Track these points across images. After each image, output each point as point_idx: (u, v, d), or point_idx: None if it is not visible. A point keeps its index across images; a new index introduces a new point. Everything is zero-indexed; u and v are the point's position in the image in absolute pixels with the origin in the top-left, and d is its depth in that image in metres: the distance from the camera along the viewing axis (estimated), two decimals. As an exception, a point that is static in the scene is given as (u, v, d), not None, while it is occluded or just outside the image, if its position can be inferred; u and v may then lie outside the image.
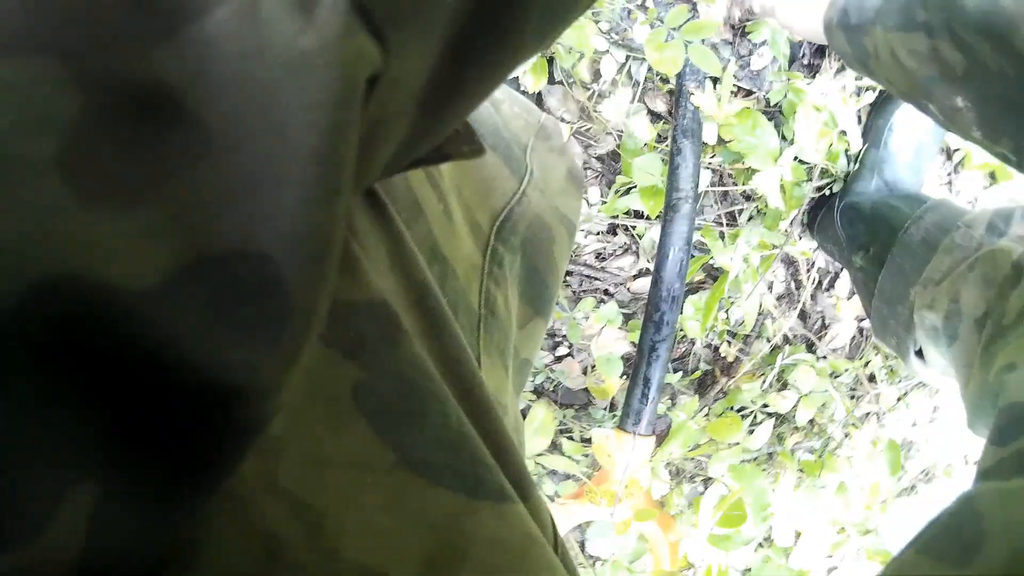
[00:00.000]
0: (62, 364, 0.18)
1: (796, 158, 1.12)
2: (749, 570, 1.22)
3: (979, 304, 0.75)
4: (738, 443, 1.24)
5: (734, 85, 1.11)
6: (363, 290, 0.33)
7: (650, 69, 1.09)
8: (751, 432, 1.25)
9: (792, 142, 1.12)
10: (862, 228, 1.08)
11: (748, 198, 1.18)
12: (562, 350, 1.25)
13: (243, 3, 0.20)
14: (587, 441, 1.23)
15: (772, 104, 1.14)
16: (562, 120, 1.13)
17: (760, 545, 1.26)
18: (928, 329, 0.85)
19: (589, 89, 1.12)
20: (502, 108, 0.64)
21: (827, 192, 1.19)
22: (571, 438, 1.22)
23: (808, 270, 1.26)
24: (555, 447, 1.23)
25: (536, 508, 0.38)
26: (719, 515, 1.10)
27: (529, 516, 0.36)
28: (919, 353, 0.90)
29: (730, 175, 1.17)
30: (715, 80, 1.08)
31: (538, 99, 1.13)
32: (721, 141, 1.12)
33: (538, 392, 1.25)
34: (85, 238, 0.18)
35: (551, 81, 1.11)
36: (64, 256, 0.18)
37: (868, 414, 1.33)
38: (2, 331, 0.17)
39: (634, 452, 1.10)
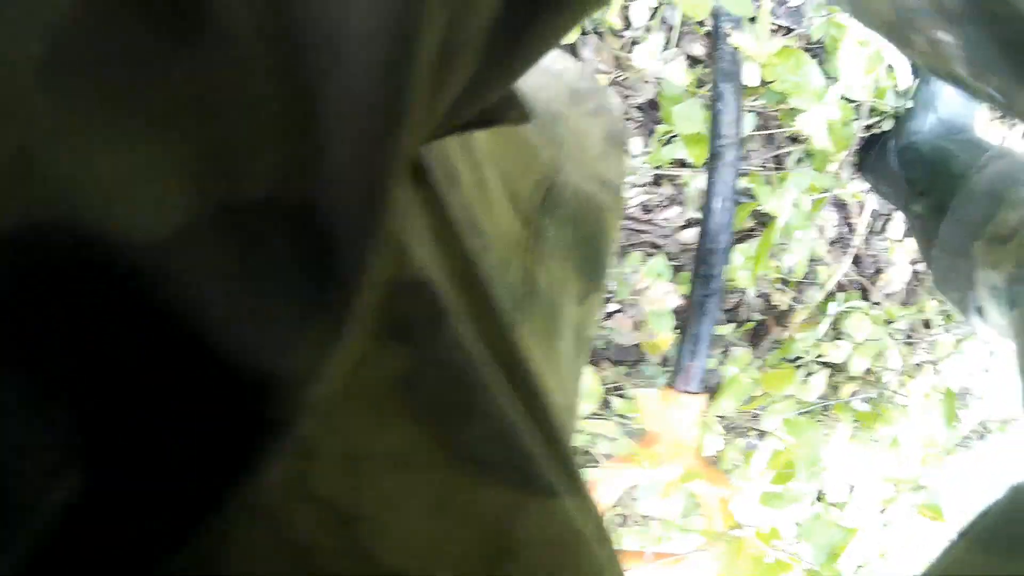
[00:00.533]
0: (48, 333, 0.14)
1: (842, 96, 1.08)
2: (800, 526, 1.19)
3: None
4: (792, 395, 1.21)
5: (773, 23, 1.08)
6: (405, 267, 0.28)
7: (685, 12, 1.06)
8: (805, 383, 1.22)
9: (837, 80, 1.08)
10: (921, 172, 1.05)
11: (794, 140, 1.15)
12: (612, 306, 1.23)
13: None
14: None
15: (814, 41, 1.10)
16: (598, 71, 1.10)
17: (819, 500, 1.23)
18: (990, 288, 0.82)
19: (622, 37, 1.09)
20: (529, 78, 0.61)
21: (877, 131, 1.16)
22: (623, 396, 1.20)
23: (860, 213, 1.22)
24: (607, 405, 1.21)
25: (583, 500, 0.35)
26: (770, 472, 1.08)
27: (577, 512, 0.33)
28: (979, 310, 0.87)
29: (775, 117, 1.14)
30: (753, 19, 1.05)
31: (572, 51, 1.10)
32: (764, 82, 1.09)
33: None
34: (80, 171, 0.14)
35: (583, 32, 1.09)
36: (52, 194, 0.13)
37: (923, 362, 1.30)
38: None
39: (685, 410, 1.08)
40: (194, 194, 0.15)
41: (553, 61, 0.68)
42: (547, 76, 0.64)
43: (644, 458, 1.07)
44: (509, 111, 0.34)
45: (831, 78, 1.09)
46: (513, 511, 0.30)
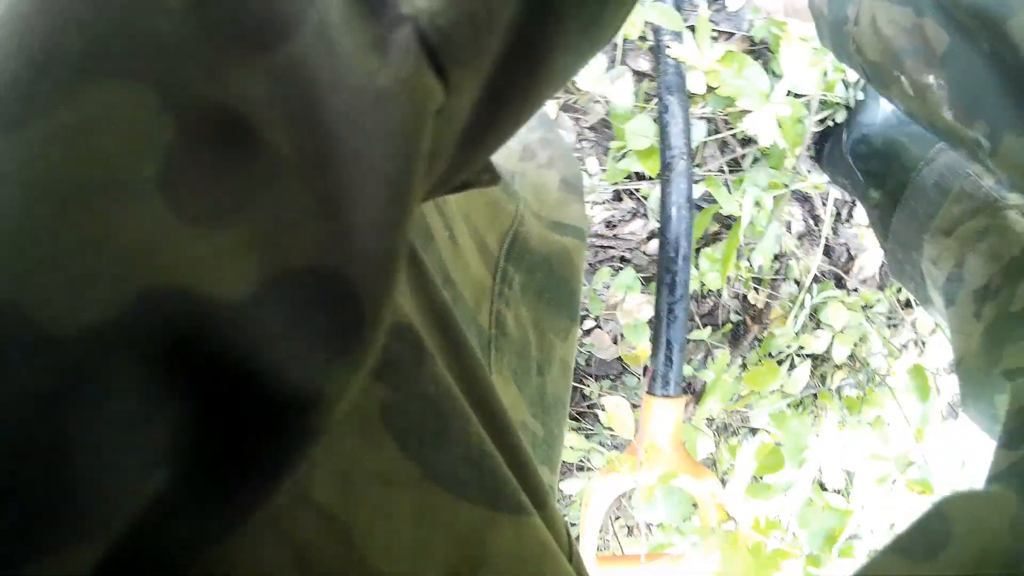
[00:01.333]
0: (162, 369, 0.20)
1: (790, 92, 1.09)
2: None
3: (981, 275, 0.72)
4: (779, 390, 1.22)
5: (713, 30, 1.09)
6: (393, 313, 0.34)
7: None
8: (790, 377, 1.23)
9: (782, 77, 1.09)
10: (876, 164, 1.05)
11: (748, 142, 1.16)
12: (589, 323, 1.24)
13: (317, 31, 0.22)
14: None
15: (757, 42, 1.12)
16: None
17: (822, 487, 1.24)
18: (933, 281, 0.83)
19: (568, 60, 1.10)
20: None
21: (831, 123, 1.16)
22: (603, 409, 1.21)
23: (824, 204, 1.23)
24: (596, 420, 1.23)
25: (551, 518, 0.39)
26: (755, 465, 1.09)
27: (545, 527, 0.37)
28: (929, 300, 0.88)
29: (726, 121, 1.15)
30: (692, 28, 1.06)
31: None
32: (710, 89, 1.10)
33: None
34: (185, 253, 0.19)
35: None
36: (168, 269, 0.19)
37: (907, 342, 1.30)
38: (112, 335, 0.18)
39: (665, 414, 1.09)
40: (264, 262, 0.21)
41: None
42: None
43: (628, 465, 1.08)
44: (482, 176, 0.39)
45: (777, 76, 1.10)
46: (486, 526, 0.34)
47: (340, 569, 0.30)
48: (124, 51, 0.19)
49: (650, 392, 1.10)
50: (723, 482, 1.17)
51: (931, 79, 0.65)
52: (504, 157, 0.65)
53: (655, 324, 1.10)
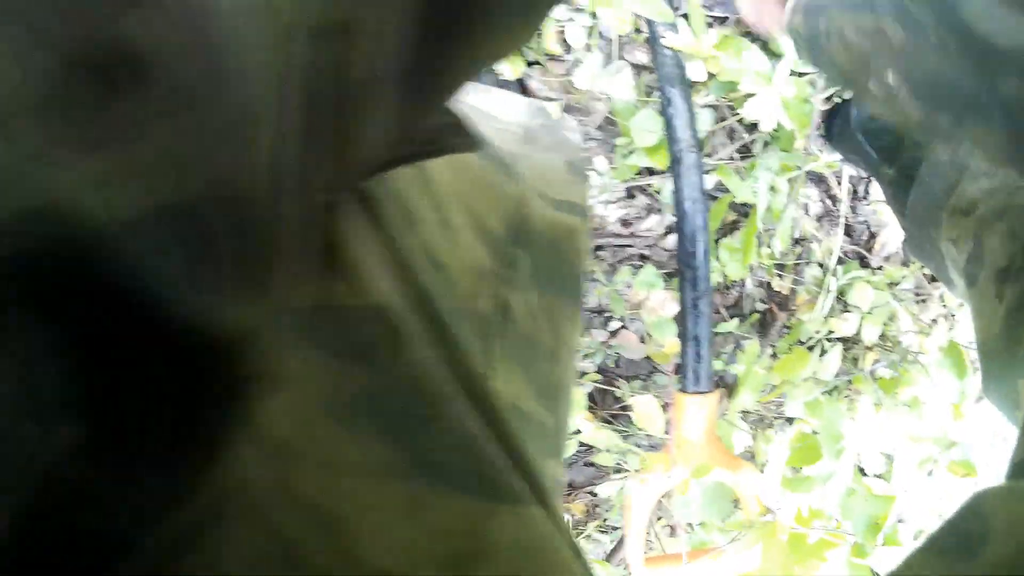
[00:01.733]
0: (44, 299, 0.20)
1: (792, 72, 1.08)
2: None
3: (1002, 256, 0.70)
4: (812, 377, 1.20)
5: (708, 16, 1.08)
6: (364, 295, 0.33)
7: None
8: (821, 362, 1.21)
9: (782, 57, 1.08)
10: (887, 139, 1.04)
11: (756, 127, 1.14)
12: (615, 324, 1.23)
13: None
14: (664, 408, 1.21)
15: (755, 25, 1.11)
16: (548, 99, 1.12)
17: (862, 472, 1.22)
18: (953, 261, 0.81)
19: (565, 61, 1.10)
20: (483, 126, 0.64)
21: (838, 100, 1.15)
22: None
23: (839, 183, 1.21)
24: (630, 422, 1.21)
25: (553, 513, 0.37)
26: (795, 456, 1.07)
27: (547, 518, 0.36)
28: (950, 281, 0.86)
29: (730, 107, 1.14)
30: (686, 16, 1.06)
31: (521, 86, 1.12)
32: (711, 76, 1.09)
33: (602, 371, 1.24)
34: (61, 177, 0.19)
35: (529, 64, 1.10)
36: (41, 189, 0.19)
37: (937, 317, 1.28)
38: None
39: (699, 410, 1.08)
40: (151, 190, 0.21)
41: (504, 107, 0.70)
42: (499, 122, 0.67)
43: (663, 465, 1.07)
44: (456, 140, 0.38)
45: (779, 57, 1.09)
46: (483, 517, 0.33)
47: (327, 562, 0.29)
48: None
49: (682, 389, 1.09)
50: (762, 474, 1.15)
51: (891, 77, 0.65)
52: (505, 140, 0.63)
53: (680, 320, 1.08)
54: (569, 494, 1.26)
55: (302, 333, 0.30)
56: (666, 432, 1.14)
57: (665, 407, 1.19)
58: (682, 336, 1.09)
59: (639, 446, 1.24)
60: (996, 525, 0.44)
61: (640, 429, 1.18)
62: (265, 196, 0.24)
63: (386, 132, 0.31)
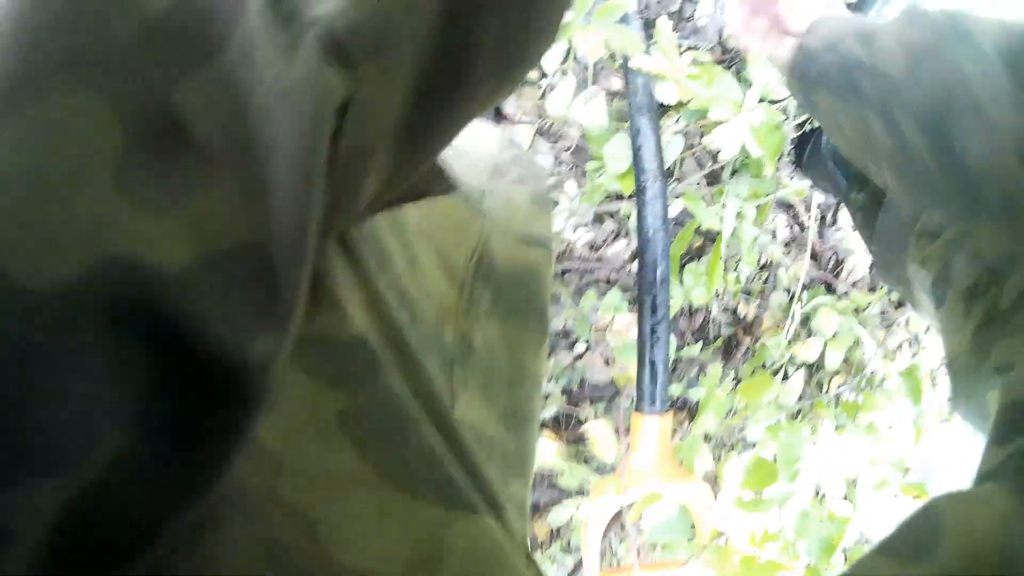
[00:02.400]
0: (114, 331, 0.23)
1: (763, 99, 1.08)
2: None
3: (968, 275, 0.71)
4: (774, 401, 1.21)
5: (681, 44, 1.08)
6: (346, 328, 0.37)
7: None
8: (784, 387, 1.21)
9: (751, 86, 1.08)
10: (855, 168, 1.04)
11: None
12: (580, 346, 1.23)
13: (243, 44, 0.26)
14: (623, 431, 1.21)
15: (729, 49, 1.11)
16: (521, 123, 1.11)
17: (820, 496, 1.23)
18: (921, 283, 0.82)
19: (541, 87, 1.10)
20: (454, 162, 0.65)
21: (809, 128, 1.15)
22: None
23: (807, 210, 1.22)
24: (583, 442, 1.21)
25: (506, 524, 0.41)
26: (750, 479, 1.08)
27: (499, 527, 0.39)
28: (917, 303, 0.87)
29: (701, 134, 1.14)
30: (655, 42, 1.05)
31: (496, 110, 1.11)
32: (681, 103, 1.09)
33: (567, 393, 1.24)
34: (133, 231, 0.23)
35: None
36: (118, 242, 0.23)
37: (901, 343, 1.29)
38: (77, 295, 0.22)
39: (652, 431, 1.08)
40: (193, 243, 0.24)
41: (474, 142, 0.71)
42: (469, 157, 0.69)
43: (615, 486, 1.07)
44: (434, 184, 0.43)
45: (749, 84, 1.09)
46: (442, 524, 0.37)
47: (306, 563, 0.32)
48: (86, 65, 0.23)
49: (637, 410, 1.09)
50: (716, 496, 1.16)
51: (887, 175, 0.67)
52: (475, 175, 0.66)
53: (639, 346, 1.08)
54: (533, 515, 1.26)
55: (294, 359, 0.33)
56: (618, 456, 1.14)
57: (628, 430, 1.19)
58: (639, 360, 1.09)
59: (600, 469, 1.25)
60: (947, 527, 0.45)
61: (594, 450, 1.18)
62: (289, 246, 0.27)
63: (379, 183, 0.36)
